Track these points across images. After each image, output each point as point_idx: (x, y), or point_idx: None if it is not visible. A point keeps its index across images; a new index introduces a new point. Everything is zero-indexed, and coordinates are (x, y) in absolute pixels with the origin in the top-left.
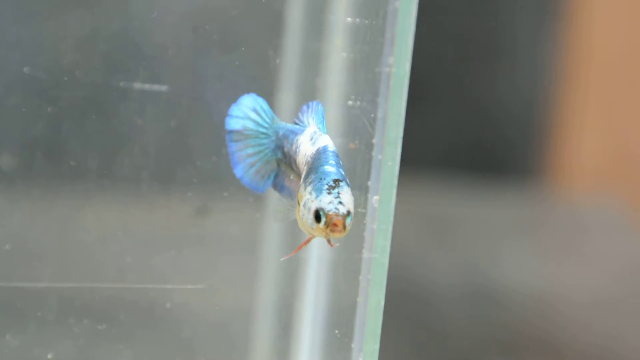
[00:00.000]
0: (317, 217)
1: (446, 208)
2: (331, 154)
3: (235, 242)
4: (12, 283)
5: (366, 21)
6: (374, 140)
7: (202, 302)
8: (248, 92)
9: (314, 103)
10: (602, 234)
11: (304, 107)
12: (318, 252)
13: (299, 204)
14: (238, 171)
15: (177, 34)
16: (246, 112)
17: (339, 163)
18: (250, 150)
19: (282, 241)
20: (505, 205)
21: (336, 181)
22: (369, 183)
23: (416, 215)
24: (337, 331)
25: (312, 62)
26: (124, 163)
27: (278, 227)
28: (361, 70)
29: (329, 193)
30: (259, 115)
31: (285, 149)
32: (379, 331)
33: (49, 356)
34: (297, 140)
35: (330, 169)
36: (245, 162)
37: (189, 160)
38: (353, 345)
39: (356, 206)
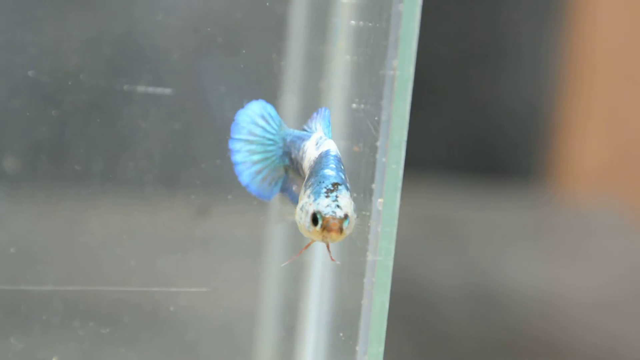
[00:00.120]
0: (314, 220)
1: (449, 210)
2: (332, 158)
3: (239, 245)
4: (17, 286)
5: (370, 24)
6: (378, 143)
7: (206, 305)
8: (252, 95)
9: (323, 109)
10: (605, 235)
11: (314, 114)
12: (322, 255)
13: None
14: (243, 179)
15: (180, 38)
16: (254, 118)
17: (340, 167)
18: (256, 157)
19: (287, 244)
20: (508, 206)
21: (335, 185)
22: (373, 186)
23: (419, 217)
24: (341, 334)
25: (316, 65)
26: (128, 166)
27: (282, 230)
28: (365, 73)
29: (327, 196)
30: (267, 122)
31: (293, 155)
32: (383, 334)
33: (54, 359)
34: (304, 145)
35: (330, 172)
36: (251, 170)
37: (193, 163)
38: (357, 348)
39: (360, 209)
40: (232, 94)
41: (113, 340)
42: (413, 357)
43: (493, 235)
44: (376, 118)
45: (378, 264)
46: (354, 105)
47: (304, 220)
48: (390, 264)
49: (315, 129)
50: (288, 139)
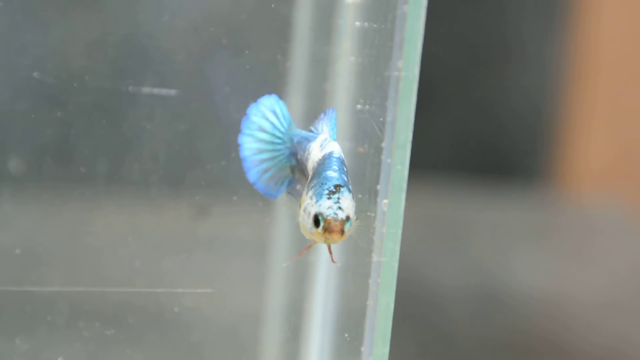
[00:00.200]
0: (316, 221)
1: (454, 210)
2: (335, 159)
3: (244, 246)
4: (22, 287)
5: (375, 25)
6: (383, 144)
7: (211, 306)
8: (257, 97)
9: (330, 110)
10: (609, 235)
11: (321, 115)
12: (327, 255)
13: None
14: (251, 176)
15: (185, 39)
16: (265, 112)
17: (343, 169)
18: (265, 156)
19: (291, 245)
20: (513, 207)
21: (337, 186)
22: (378, 187)
23: (424, 218)
24: (346, 335)
25: (321, 66)
26: (133, 167)
27: (287, 231)
28: (370, 74)
29: (329, 198)
30: (278, 118)
31: (299, 156)
32: (388, 335)
33: None
34: (309, 147)
35: (333, 174)
36: (259, 168)
37: (198, 165)
38: (363, 349)
39: (365, 210)
40: (237, 95)
41: (118, 341)
42: (417, 357)
43: (497, 235)
44: (381, 119)
45: (383, 265)
46: (359, 107)
47: (306, 222)
48: (396, 265)
49: (322, 130)
50: (295, 140)
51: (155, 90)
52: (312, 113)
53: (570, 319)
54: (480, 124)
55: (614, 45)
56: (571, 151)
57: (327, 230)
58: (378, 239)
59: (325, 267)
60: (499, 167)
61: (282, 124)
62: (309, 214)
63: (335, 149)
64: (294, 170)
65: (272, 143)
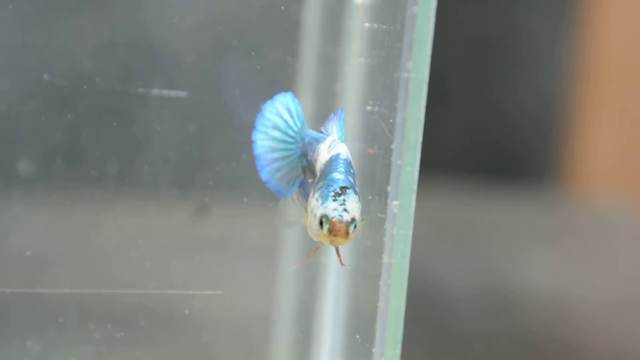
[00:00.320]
0: (322, 223)
1: (464, 211)
2: (342, 161)
3: (254, 247)
4: (33, 289)
5: (384, 26)
6: (393, 146)
7: (221, 307)
8: (266, 98)
9: (339, 111)
10: (619, 235)
11: (331, 115)
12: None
13: (306, 211)
14: (264, 174)
15: (195, 40)
16: (280, 109)
17: (350, 171)
18: (277, 155)
19: (302, 247)
20: (522, 207)
21: (343, 188)
22: (388, 188)
23: (433, 219)
24: (357, 336)
25: (330, 67)
26: (143, 169)
27: (297, 233)
28: (379, 75)
29: (335, 200)
30: (292, 116)
31: (309, 157)
32: (400, 336)
33: None
34: (318, 148)
35: (339, 176)
36: (271, 166)
37: (208, 166)
38: (374, 350)
39: (375, 211)
40: (247, 97)
41: (129, 343)
42: (427, 357)
43: (507, 235)
44: (391, 120)
45: (394, 267)
46: (369, 108)
47: (312, 224)
48: (406, 266)
49: (331, 131)
50: (306, 140)
51: (165, 92)
52: (322, 114)
53: (579, 319)
54: (489, 124)
55: (623, 45)
56: (580, 151)
57: (332, 232)
58: (389, 240)
59: (336, 268)
60: (508, 168)
61: (295, 123)
62: (315, 215)
63: (343, 150)
64: (305, 170)
65: (285, 142)
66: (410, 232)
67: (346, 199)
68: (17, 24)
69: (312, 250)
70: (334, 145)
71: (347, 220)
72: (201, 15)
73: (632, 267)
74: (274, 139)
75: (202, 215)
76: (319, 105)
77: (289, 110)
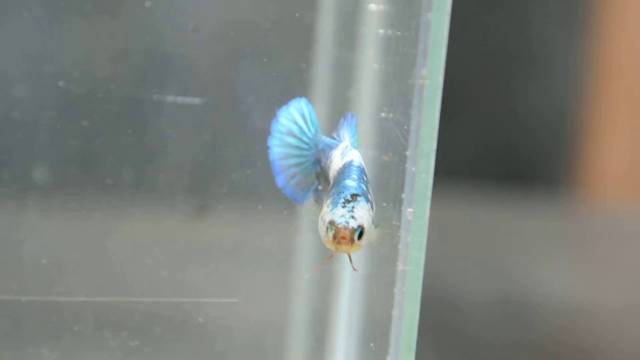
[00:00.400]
0: (328, 229)
1: (478, 217)
2: (355, 168)
3: (269, 255)
4: (49, 297)
5: (398, 33)
6: (407, 152)
7: (235, 315)
8: (281, 104)
9: (349, 115)
10: (634, 240)
11: (342, 120)
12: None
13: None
14: (280, 181)
15: (209, 47)
16: (294, 115)
17: (362, 178)
18: (292, 161)
19: (316, 254)
20: (537, 213)
21: (354, 195)
22: (403, 195)
23: (448, 224)
24: (372, 344)
25: (345, 73)
26: (158, 176)
27: (312, 240)
28: (394, 81)
29: (344, 207)
30: (306, 123)
31: (322, 163)
32: (414, 344)
33: None
34: (331, 154)
35: (351, 183)
36: (286, 173)
37: (222, 173)
38: (388, 358)
39: (389, 218)
40: (261, 104)
41: (143, 352)
42: None
43: (522, 241)
44: (405, 127)
45: (408, 274)
46: (383, 114)
47: (321, 229)
48: (421, 273)
49: (343, 137)
50: (320, 146)
51: (180, 99)
52: (336, 120)
53: (594, 324)
54: (504, 130)
55: (637, 51)
56: (595, 157)
57: (336, 238)
58: (403, 247)
59: (350, 276)
60: (523, 173)
61: (309, 129)
62: (324, 222)
63: (356, 157)
64: (319, 177)
65: (299, 148)
66: (425, 240)
67: (355, 206)
68: (32, 31)
69: (326, 257)
70: (347, 152)
71: (352, 227)
72: (216, 22)
73: None
74: (288, 145)
75: (225, 224)
76: (333, 111)
77: (303, 116)
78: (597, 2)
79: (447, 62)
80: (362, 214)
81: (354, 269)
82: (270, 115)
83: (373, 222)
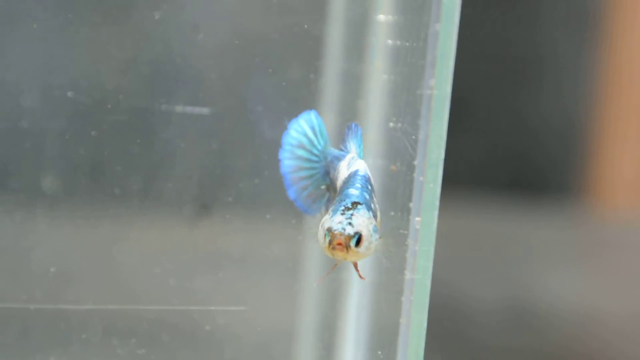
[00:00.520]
0: (325, 236)
1: (487, 225)
2: (359, 177)
3: (277, 264)
4: (57, 305)
5: (407, 43)
6: (416, 162)
7: (243, 323)
8: (289, 115)
9: (353, 126)
10: None
11: (346, 130)
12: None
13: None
14: (292, 193)
15: (218, 58)
16: (304, 128)
17: (366, 187)
18: (303, 174)
19: (324, 263)
20: (547, 220)
21: (354, 204)
22: (411, 204)
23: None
24: (380, 352)
25: (353, 84)
26: (167, 185)
27: (320, 249)
28: (402, 92)
29: (342, 214)
30: (315, 135)
31: (331, 175)
32: (422, 352)
33: None
34: (339, 166)
35: (354, 192)
36: (298, 185)
37: (231, 182)
38: None
39: (397, 227)
40: (270, 114)
41: (152, 359)
42: None
43: (531, 249)
44: (413, 137)
45: (416, 283)
46: (391, 124)
47: (320, 236)
48: (428, 282)
49: (350, 148)
50: (329, 158)
51: (189, 109)
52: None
53: (604, 332)
54: (514, 139)
55: None
56: (605, 165)
57: (331, 244)
58: (411, 256)
59: (358, 284)
60: (532, 182)
61: (319, 142)
62: (323, 229)
63: (361, 167)
64: (329, 188)
65: (309, 161)
66: (433, 249)
67: (354, 213)
68: (41, 42)
69: (332, 265)
70: (353, 163)
71: (349, 234)
72: (224, 32)
73: None
74: (299, 157)
75: (233, 232)
76: (342, 122)
77: (313, 129)
78: (607, 11)
79: (456, 70)
80: (361, 221)
81: (361, 277)
82: (279, 125)
83: (376, 231)
